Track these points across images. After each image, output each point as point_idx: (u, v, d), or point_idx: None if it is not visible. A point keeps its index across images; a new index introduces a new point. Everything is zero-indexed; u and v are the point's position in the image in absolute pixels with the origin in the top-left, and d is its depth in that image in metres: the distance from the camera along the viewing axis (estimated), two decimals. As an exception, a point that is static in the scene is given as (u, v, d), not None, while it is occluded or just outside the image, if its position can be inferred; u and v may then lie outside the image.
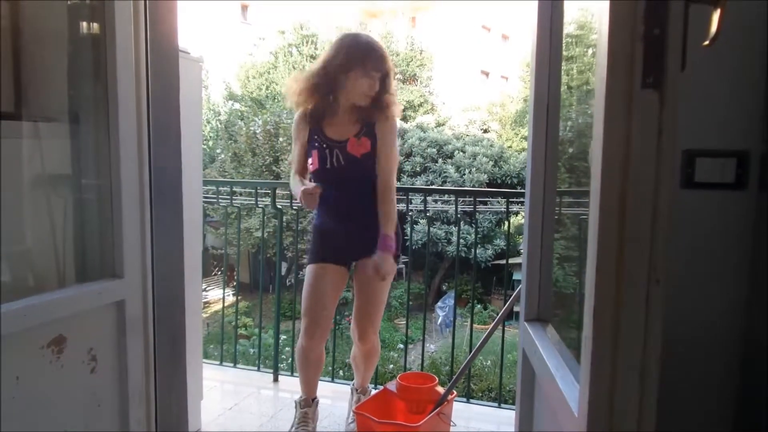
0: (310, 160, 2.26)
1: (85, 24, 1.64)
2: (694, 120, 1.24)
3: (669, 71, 0.72)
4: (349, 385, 2.70)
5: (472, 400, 3.06)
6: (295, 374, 2.92)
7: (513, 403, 1.81)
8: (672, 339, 1.21)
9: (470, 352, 3.45)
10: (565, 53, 1.39)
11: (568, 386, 0.99)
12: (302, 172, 2.34)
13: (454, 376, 2.42)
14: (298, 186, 2.24)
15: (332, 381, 3.16)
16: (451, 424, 2.28)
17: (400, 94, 15.34)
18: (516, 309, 1.76)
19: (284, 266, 12.04)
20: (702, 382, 1.32)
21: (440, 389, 2.28)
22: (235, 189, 3.57)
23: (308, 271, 2.30)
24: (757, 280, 1.26)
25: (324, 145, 2.23)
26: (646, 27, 0.72)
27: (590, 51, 1.35)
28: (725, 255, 1.29)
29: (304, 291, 2.28)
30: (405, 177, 12.67)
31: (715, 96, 1.25)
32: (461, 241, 10.87)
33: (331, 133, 2.24)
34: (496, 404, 2.95)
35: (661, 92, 0.73)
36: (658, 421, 0.80)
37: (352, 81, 2.14)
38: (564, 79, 1.40)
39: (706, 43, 0.77)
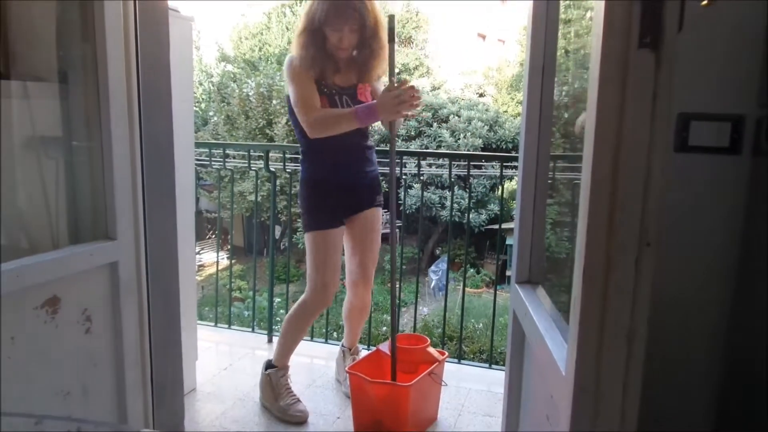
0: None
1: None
2: (689, 83, 1.23)
3: (666, 32, 0.71)
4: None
5: (463, 361, 3.11)
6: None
7: (504, 364, 1.84)
8: (662, 300, 1.23)
9: (462, 315, 3.50)
10: (563, 16, 1.37)
11: (557, 346, 1.00)
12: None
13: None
14: (347, 110, 2.06)
15: (326, 342, 3.19)
16: (443, 383, 2.32)
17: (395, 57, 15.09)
18: (508, 273, 1.77)
19: (278, 230, 12.06)
20: (691, 343, 1.35)
21: (432, 350, 2.31)
22: (228, 152, 3.56)
23: (319, 237, 2.22)
24: (750, 243, 1.27)
25: (333, 91, 2.15)
26: (644, -14, 0.71)
27: (588, 14, 1.33)
28: (718, 219, 1.30)
29: (319, 259, 2.22)
30: (400, 141, 12.59)
31: (712, 59, 1.24)
32: (455, 205, 10.89)
33: (336, 80, 2.18)
34: (487, 365, 3.00)
35: (658, 53, 0.72)
36: (645, 380, 0.82)
37: (329, 35, 2.07)
38: (561, 43, 1.38)
39: (705, 2, 0.76)
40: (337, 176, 2.23)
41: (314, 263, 2.24)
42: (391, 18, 2.06)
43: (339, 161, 2.21)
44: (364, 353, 2.59)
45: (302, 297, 2.30)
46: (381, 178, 2.39)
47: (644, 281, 0.77)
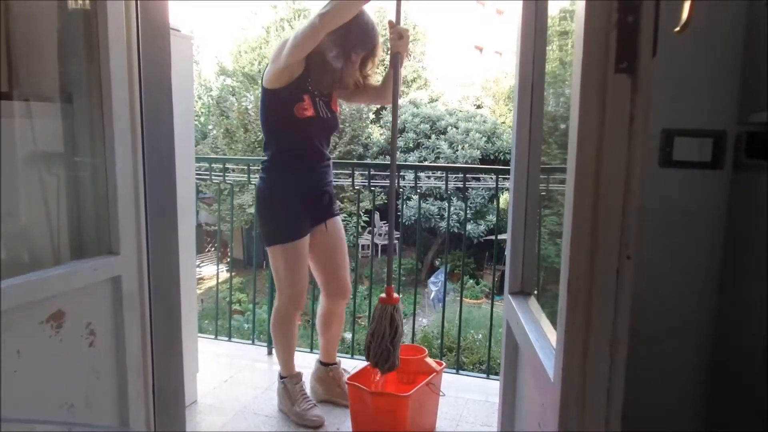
0: (302, 105, 2.14)
1: (75, 1, 1.64)
2: (673, 100, 1.28)
3: (641, 57, 0.76)
4: (345, 358, 2.76)
5: (461, 372, 3.13)
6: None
7: (500, 374, 1.87)
8: (648, 308, 1.27)
9: (460, 326, 3.52)
10: (558, 28, 1.42)
11: (546, 354, 1.04)
12: None
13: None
14: None
15: (311, 352, 3.19)
16: (441, 394, 2.34)
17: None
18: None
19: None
20: (678, 349, 1.38)
21: (430, 361, 2.34)
22: (227, 166, 3.58)
23: (290, 249, 2.25)
24: (731, 253, 1.31)
25: (315, 92, 2.19)
26: (620, 14, 0.75)
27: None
28: (701, 232, 1.34)
29: (291, 271, 2.26)
30: (398, 153, 12.66)
31: (694, 78, 1.29)
32: (454, 216, 10.94)
33: (317, 84, 2.21)
34: (485, 375, 3.02)
35: (634, 77, 0.76)
36: (629, 391, 0.85)
37: (352, 55, 2.12)
38: (558, 54, 1.43)
39: (677, 29, 0.80)
40: (300, 187, 2.26)
41: (287, 275, 2.28)
42: None
43: (301, 174, 2.25)
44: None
45: (275, 306, 2.36)
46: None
47: (625, 292, 0.81)
